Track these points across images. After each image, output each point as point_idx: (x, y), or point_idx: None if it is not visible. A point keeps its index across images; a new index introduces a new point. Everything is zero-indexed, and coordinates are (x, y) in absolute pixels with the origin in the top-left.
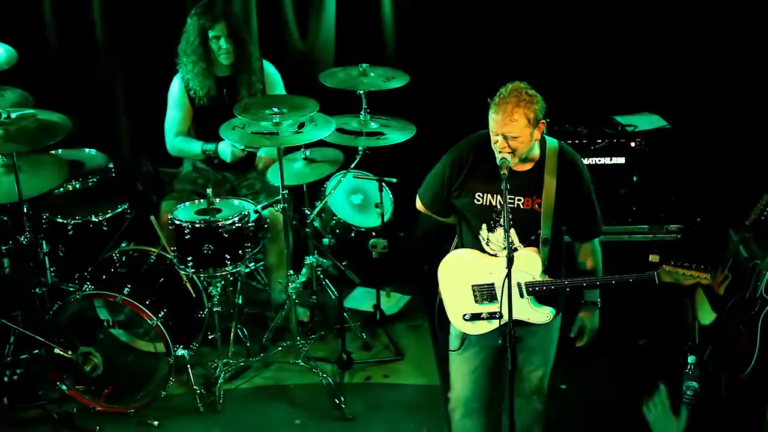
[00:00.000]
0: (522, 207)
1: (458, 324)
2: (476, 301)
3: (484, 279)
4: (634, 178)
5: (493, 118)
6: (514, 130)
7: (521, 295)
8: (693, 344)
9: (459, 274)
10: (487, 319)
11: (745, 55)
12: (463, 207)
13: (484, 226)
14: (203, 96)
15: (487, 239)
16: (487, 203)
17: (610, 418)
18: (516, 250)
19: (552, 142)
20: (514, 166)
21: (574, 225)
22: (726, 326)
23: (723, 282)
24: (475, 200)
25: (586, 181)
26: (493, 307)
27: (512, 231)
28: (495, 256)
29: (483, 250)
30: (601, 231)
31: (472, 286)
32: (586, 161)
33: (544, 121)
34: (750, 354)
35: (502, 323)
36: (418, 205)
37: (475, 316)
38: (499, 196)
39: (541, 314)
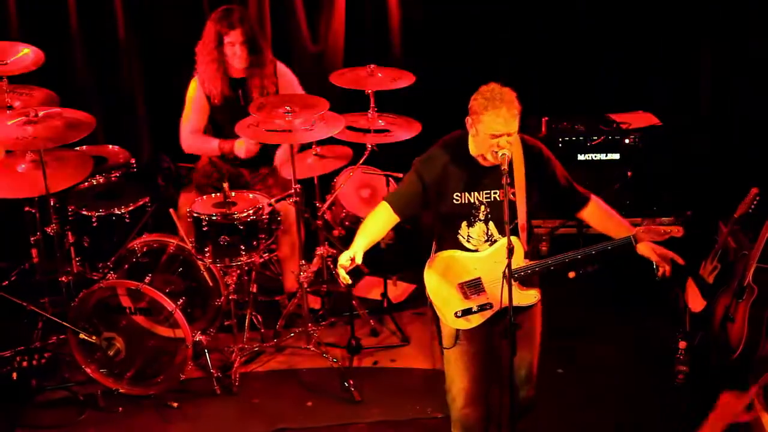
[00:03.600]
0: (499, 199)
1: (452, 323)
2: (465, 298)
3: (470, 275)
4: (628, 173)
5: (495, 122)
6: (514, 125)
7: (507, 284)
8: (684, 331)
9: (444, 277)
10: (478, 311)
11: (731, 58)
12: (442, 209)
13: (464, 223)
14: (217, 95)
15: (468, 236)
16: (466, 201)
17: (605, 401)
18: (495, 241)
19: None
20: (483, 162)
21: (561, 200)
22: (715, 314)
23: (713, 271)
24: (454, 200)
25: (552, 160)
26: (481, 299)
27: (490, 224)
28: (476, 251)
29: (464, 247)
30: (588, 195)
31: (459, 284)
32: (582, 157)
33: None
34: (738, 340)
35: (494, 313)
36: (384, 209)
37: (467, 312)
38: (475, 193)
39: (528, 296)
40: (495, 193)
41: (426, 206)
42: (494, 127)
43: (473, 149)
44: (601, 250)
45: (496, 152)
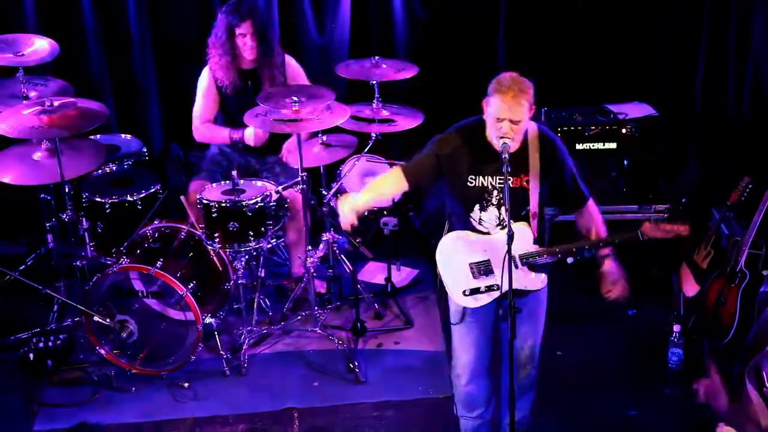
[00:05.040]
0: (511, 185)
1: (459, 300)
2: (474, 277)
3: (480, 256)
4: (625, 162)
5: (500, 105)
6: (518, 114)
7: (516, 266)
8: (678, 314)
9: (456, 255)
10: (486, 292)
11: (725, 50)
12: (456, 191)
13: (476, 207)
14: (229, 86)
15: (480, 219)
16: (479, 185)
17: (601, 383)
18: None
19: (531, 125)
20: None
21: (564, 197)
22: (708, 298)
23: (706, 257)
24: (468, 183)
25: (565, 156)
26: (490, 281)
27: (503, 209)
28: (488, 233)
29: (476, 230)
30: (587, 197)
31: (470, 264)
32: (580, 147)
33: (534, 107)
34: (730, 323)
35: (500, 294)
36: (396, 173)
37: (474, 291)
38: (489, 177)
39: (535, 280)
40: (510, 180)
41: (437, 181)
42: (498, 110)
43: (489, 134)
44: (609, 243)
45: (499, 139)
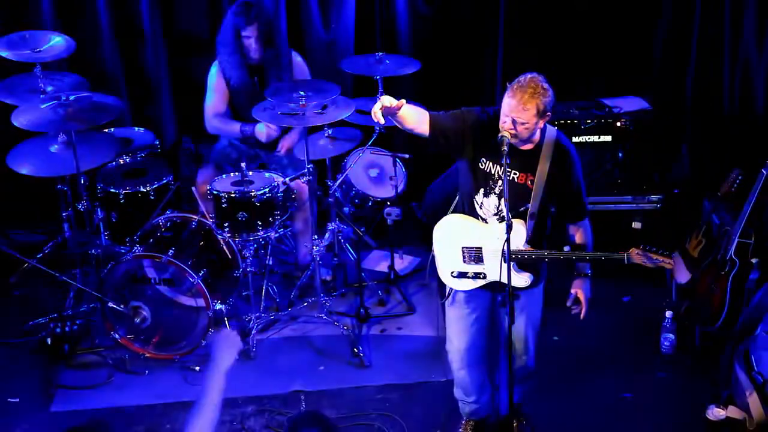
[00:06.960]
0: (516, 180)
1: (446, 279)
2: (464, 261)
3: (474, 243)
4: (620, 154)
5: (508, 102)
6: (523, 116)
7: (504, 260)
8: (670, 301)
9: (452, 236)
10: (472, 278)
11: (718, 47)
12: (467, 167)
13: (481, 190)
14: (236, 81)
15: (481, 203)
16: (488, 170)
17: (597, 366)
18: (505, 218)
19: (551, 131)
20: (512, 140)
21: (562, 207)
22: (700, 285)
23: (697, 246)
24: (480, 164)
25: (575, 170)
26: (478, 268)
27: (503, 201)
28: (485, 221)
29: (476, 213)
30: (584, 216)
31: (462, 247)
32: (576, 139)
33: (549, 113)
34: (720, 309)
35: (487, 283)
36: (426, 115)
37: (462, 275)
38: (497, 166)
39: (520, 278)
40: (515, 173)
41: (450, 145)
42: (504, 106)
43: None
44: (595, 258)
45: (499, 134)
